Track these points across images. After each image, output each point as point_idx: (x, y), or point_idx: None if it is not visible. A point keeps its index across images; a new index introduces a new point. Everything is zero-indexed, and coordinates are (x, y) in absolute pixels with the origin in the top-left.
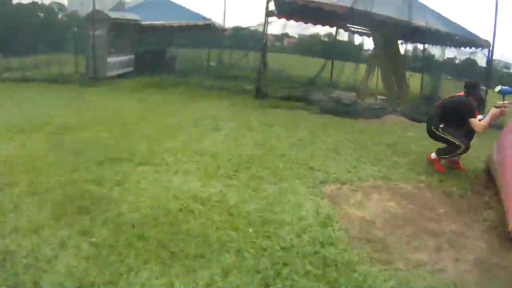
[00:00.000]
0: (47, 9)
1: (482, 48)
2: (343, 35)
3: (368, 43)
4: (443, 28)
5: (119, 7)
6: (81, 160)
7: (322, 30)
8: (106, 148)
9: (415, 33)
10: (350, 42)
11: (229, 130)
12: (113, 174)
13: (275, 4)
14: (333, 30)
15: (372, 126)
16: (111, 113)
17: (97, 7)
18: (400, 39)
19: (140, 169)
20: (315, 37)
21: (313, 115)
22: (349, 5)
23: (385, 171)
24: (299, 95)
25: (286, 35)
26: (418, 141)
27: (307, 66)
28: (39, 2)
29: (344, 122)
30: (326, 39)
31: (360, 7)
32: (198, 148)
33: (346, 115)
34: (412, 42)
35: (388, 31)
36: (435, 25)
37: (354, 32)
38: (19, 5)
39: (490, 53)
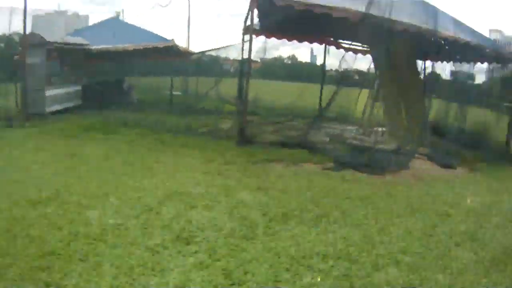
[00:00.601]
0: (8, 39)
1: None
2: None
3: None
4: (471, 40)
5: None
6: None
7: (284, 52)
8: None
9: (440, 48)
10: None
11: (210, 237)
12: None
13: (260, 13)
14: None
15: (415, 189)
16: (11, 195)
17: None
18: (418, 56)
19: None
20: (277, 60)
21: (329, 175)
22: (362, 9)
23: None
24: (295, 136)
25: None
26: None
27: (282, 93)
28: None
29: (380, 188)
30: (289, 62)
31: (375, 11)
32: None
33: (370, 169)
34: (437, 59)
35: (406, 45)
36: (459, 35)
37: (347, 50)
38: None
39: None
